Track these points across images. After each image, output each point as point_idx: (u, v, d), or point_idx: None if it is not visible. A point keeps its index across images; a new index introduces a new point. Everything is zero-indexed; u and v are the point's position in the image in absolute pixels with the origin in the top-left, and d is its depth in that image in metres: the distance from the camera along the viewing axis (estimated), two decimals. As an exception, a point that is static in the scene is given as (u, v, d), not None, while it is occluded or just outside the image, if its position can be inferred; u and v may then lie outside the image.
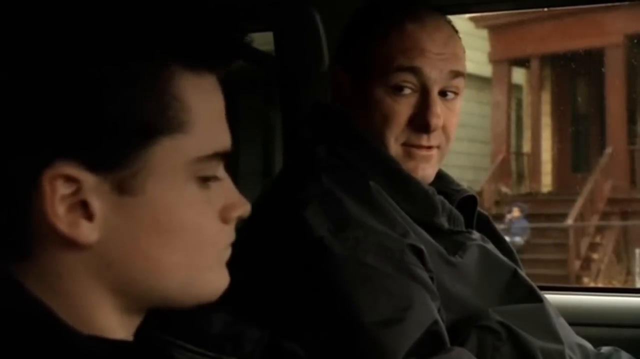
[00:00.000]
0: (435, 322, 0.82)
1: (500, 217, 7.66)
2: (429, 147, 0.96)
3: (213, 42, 0.53)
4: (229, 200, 0.56)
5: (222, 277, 0.56)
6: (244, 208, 0.56)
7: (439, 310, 0.85)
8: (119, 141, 0.49)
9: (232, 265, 0.93)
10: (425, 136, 0.95)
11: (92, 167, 0.49)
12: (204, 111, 0.53)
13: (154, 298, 0.53)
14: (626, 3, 1.30)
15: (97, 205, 0.49)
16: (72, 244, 0.49)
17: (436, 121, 0.94)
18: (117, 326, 0.53)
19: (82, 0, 0.50)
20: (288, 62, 1.32)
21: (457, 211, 0.97)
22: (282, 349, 0.76)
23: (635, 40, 8.18)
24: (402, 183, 0.93)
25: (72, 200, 0.49)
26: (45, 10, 0.49)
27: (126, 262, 0.51)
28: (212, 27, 0.53)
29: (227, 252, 0.57)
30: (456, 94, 0.97)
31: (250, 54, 1.53)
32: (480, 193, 7.10)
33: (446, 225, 0.95)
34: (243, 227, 0.95)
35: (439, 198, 0.96)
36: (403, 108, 0.94)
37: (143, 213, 0.51)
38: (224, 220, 0.55)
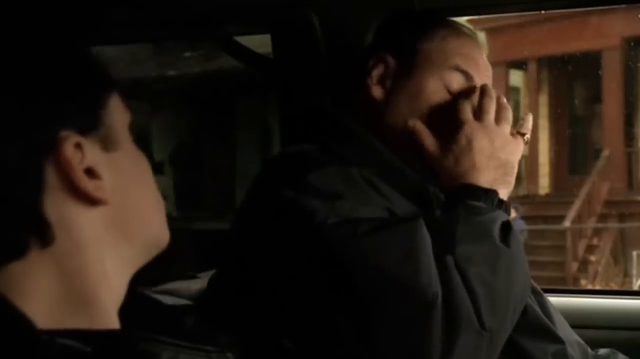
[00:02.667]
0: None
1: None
2: None
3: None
4: None
5: (167, 228, 0.62)
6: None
7: None
8: (94, 99, 0.56)
9: (225, 265, 0.92)
10: None
11: (85, 131, 0.54)
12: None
13: (139, 251, 0.58)
14: (623, 6, 1.31)
15: (98, 166, 0.54)
16: (91, 207, 0.53)
17: None
18: (115, 292, 0.55)
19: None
20: (286, 65, 1.32)
21: None
22: (270, 343, 0.77)
23: (633, 43, 8.21)
24: (395, 174, 0.94)
25: (81, 167, 0.53)
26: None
27: (123, 216, 0.55)
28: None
29: None
30: None
31: (247, 57, 1.54)
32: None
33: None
34: (232, 226, 0.94)
35: (434, 192, 0.96)
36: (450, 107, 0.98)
37: (126, 165, 0.57)
38: None
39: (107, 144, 0.55)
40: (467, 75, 0.99)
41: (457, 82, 0.98)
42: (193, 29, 1.45)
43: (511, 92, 9.61)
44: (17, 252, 0.50)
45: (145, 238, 0.58)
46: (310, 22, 1.28)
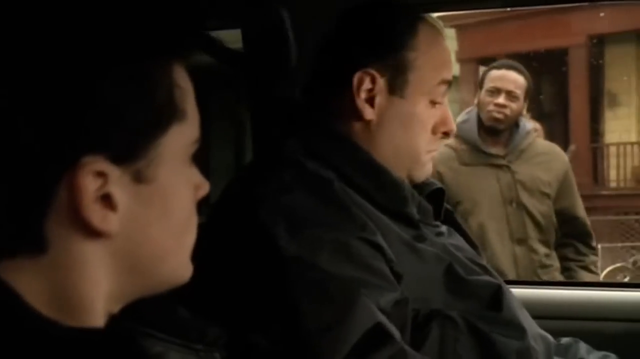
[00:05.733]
0: (377, 324, 0.82)
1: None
2: None
3: (191, 34, 0.58)
4: (197, 180, 0.59)
5: (190, 264, 0.59)
6: (206, 187, 0.60)
7: (398, 302, 0.86)
8: (139, 132, 0.52)
9: (194, 261, 0.93)
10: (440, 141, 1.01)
11: (116, 160, 0.51)
12: (191, 95, 0.56)
13: (146, 285, 0.56)
14: (586, 4, 1.35)
15: (119, 196, 0.51)
16: (94, 236, 0.51)
17: (454, 127, 1.01)
18: (101, 316, 0.54)
19: (91, 8, 0.53)
20: (256, 60, 1.33)
21: (427, 204, 0.99)
22: (244, 341, 0.78)
23: (597, 41, 8.38)
24: (373, 173, 0.94)
25: (98, 193, 0.51)
26: (73, 14, 0.52)
27: (134, 250, 0.53)
28: (189, 19, 0.57)
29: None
30: None
31: (219, 52, 1.54)
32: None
33: (416, 215, 0.96)
34: (205, 224, 0.95)
35: (408, 188, 0.97)
36: (432, 119, 0.98)
37: (155, 200, 0.53)
38: (194, 200, 0.59)
39: (141, 177, 0.52)
40: (449, 83, 0.98)
41: (440, 93, 0.97)
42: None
43: (480, 88, 9.71)
44: (6, 251, 0.50)
45: (157, 275, 0.55)
46: (280, 17, 1.29)
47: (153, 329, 0.57)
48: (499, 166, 2.22)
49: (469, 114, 2.29)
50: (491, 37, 8.85)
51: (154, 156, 0.52)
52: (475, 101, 2.30)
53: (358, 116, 0.95)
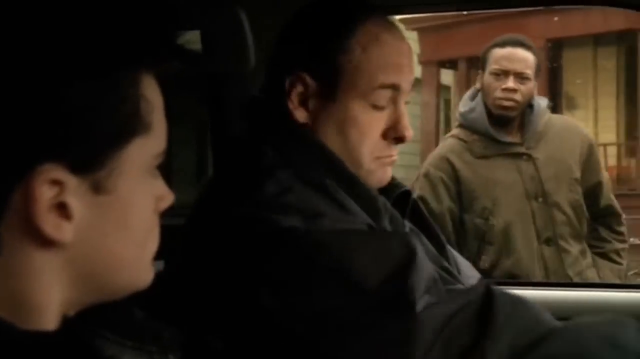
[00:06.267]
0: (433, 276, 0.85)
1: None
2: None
3: (162, 44, 0.57)
4: (160, 191, 0.58)
5: (151, 270, 0.59)
6: (171, 198, 0.59)
7: None
8: (100, 143, 0.52)
9: (186, 268, 0.91)
10: (395, 147, 0.98)
11: (75, 169, 0.50)
12: (159, 107, 0.56)
13: (103, 292, 0.56)
14: (541, 8, 1.38)
15: (75, 206, 0.51)
16: (47, 244, 0.51)
17: (409, 133, 0.97)
18: (54, 319, 0.53)
19: (60, 16, 0.52)
20: (214, 61, 1.33)
21: (396, 212, 1.00)
22: (202, 344, 0.78)
23: (551, 44, 8.59)
24: (349, 184, 0.94)
25: (53, 201, 0.50)
26: (34, 21, 0.51)
27: (90, 259, 0.53)
28: (160, 29, 0.57)
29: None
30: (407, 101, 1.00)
31: (181, 53, 1.53)
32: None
33: (389, 228, 0.96)
34: (185, 232, 0.93)
35: (381, 200, 0.97)
36: (378, 124, 0.95)
37: (114, 210, 0.53)
38: (156, 211, 0.58)
39: (100, 187, 0.52)
40: (394, 87, 0.95)
41: (383, 97, 0.95)
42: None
43: (442, 90, 9.86)
44: None
45: (115, 284, 0.55)
46: (238, 18, 1.29)
47: (107, 330, 0.57)
48: (518, 155, 1.93)
49: (472, 100, 1.99)
50: (452, 40, 8.99)
51: (115, 167, 0.52)
52: (478, 85, 1.99)
53: (296, 119, 0.95)
